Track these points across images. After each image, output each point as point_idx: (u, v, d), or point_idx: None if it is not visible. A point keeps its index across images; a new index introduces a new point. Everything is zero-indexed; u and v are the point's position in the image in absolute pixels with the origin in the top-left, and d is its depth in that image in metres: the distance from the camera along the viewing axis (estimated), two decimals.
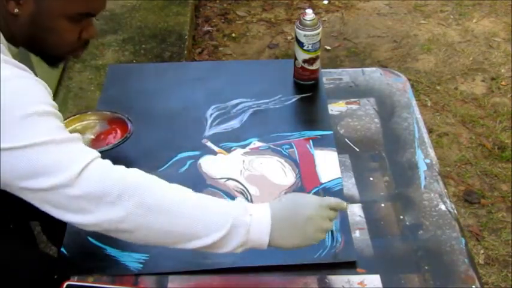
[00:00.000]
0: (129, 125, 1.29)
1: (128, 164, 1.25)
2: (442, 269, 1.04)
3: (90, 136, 1.30)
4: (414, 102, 1.43)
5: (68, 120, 1.30)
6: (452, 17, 3.27)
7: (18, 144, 0.82)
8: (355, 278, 1.03)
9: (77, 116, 1.34)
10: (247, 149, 1.29)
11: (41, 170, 0.82)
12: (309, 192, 1.18)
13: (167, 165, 1.26)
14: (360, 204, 1.17)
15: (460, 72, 2.85)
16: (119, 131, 1.29)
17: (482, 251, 2.01)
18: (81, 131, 1.29)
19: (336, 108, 1.41)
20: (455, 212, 1.16)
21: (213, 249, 0.91)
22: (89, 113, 1.36)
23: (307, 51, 1.39)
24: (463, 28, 3.16)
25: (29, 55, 1.17)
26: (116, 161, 1.25)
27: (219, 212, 0.90)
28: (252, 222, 0.90)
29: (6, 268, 1.10)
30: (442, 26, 3.19)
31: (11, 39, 0.99)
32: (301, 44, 1.38)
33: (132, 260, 1.07)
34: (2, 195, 0.89)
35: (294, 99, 1.43)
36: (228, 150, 1.29)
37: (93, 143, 1.26)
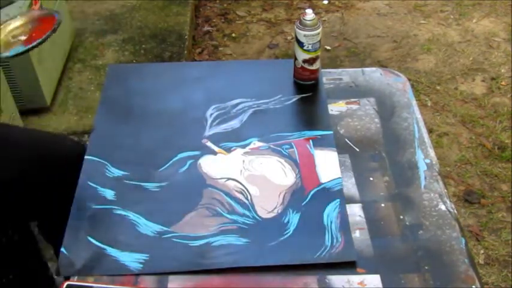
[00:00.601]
0: (56, 16, 1.33)
1: (128, 164, 1.26)
2: (442, 269, 1.04)
3: (23, 37, 1.31)
4: (414, 102, 1.43)
5: (4, 24, 1.34)
6: (452, 17, 3.27)
7: None
8: (355, 278, 1.03)
9: (6, 21, 1.36)
10: (247, 149, 1.29)
11: None
12: (309, 193, 1.19)
13: (167, 165, 1.26)
14: (360, 204, 1.17)
15: (460, 72, 2.85)
16: (47, 25, 1.31)
17: (482, 251, 2.01)
18: (15, 35, 1.31)
19: (336, 108, 1.41)
20: (455, 212, 1.16)
21: None
22: (18, 16, 1.38)
23: (307, 51, 1.39)
24: (463, 28, 3.16)
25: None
26: (116, 161, 1.25)
27: None
28: None
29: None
30: (442, 26, 3.20)
31: None
32: (301, 44, 1.38)
33: (132, 260, 1.07)
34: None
35: (294, 99, 1.43)
36: (228, 150, 1.29)
37: (25, 42, 1.28)
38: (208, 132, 1.34)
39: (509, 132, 2.48)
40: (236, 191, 1.19)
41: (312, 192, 1.18)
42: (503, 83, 2.77)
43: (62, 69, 2.67)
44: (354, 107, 1.41)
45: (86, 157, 1.28)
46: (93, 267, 1.06)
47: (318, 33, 1.37)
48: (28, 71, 2.27)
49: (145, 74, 1.55)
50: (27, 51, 1.28)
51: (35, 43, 1.25)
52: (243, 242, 1.09)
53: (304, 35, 1.37)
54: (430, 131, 2.45)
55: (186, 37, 2.98)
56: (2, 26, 1.32)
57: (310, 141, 1.31)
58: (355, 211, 1.15)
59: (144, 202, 1.18)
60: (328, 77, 1.50)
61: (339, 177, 1.21)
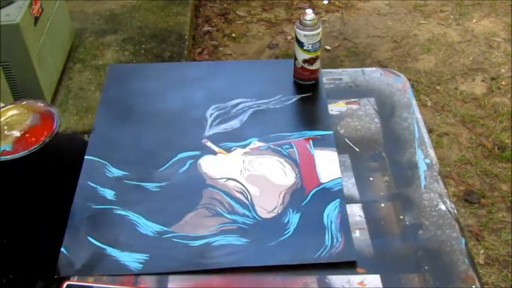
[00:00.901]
0: (55, 119, 1.31)
1: (128, 164, 1.26)
2: (442, 269, 1.04)
3: (16, 134, 1.29)
4: (414, 102, 1.43)
5: (4, 108, 1.33)
6: (452, 17, 3.27)
7: None
8: (355, 278, 1.03)
9: (13, 105, 1.36)
10: (247, 149, 1.29)
11: None
12: (309, 193, 1.19)
13: (167, 165, 1.26)
14: (360, 204, 1.17)
15: (460, 72, 2.85)
16: (45, 131, 1.29)
17: (482, 251, 2.01)
18: (13, 125, 1.30)
19: (336, 108, 1.41)
20: (455, 212, 1.16)
21: None
22: (24, 103, 1.37)
23: (307, 51, 1.39)
24: (463, 28, 3.16)
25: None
26: (116, 161, 1.25)
27: None
28: None
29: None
30: (442, 26, 3.20)
31: None
32: (301, 44, 1.38)
33: (132, 260, 1.07)
34: None
35: (294, 99, 1.43)
36: (228, 150, 1.29)
37: (16, 143, 1.27)
38: (208, 132, 1.34)
39: (509, 132, 2.48)
40: (236, 191, 1.19)
41: (312, 192, 1.19)
42: (503, 83, 2.77)
43: (62, 69, 2.67)
44: (354, 107, 1.41)
45: (86, 157, 1.28)
46: (93, 267, 1.06)
47: (318, 33, 1.37)
48: (28, 71, 2.27)
49: (146, 74, 1.55)
50: (11, 160, 1.23)
51: (22, 153, 1.23)
52: (243, 242, 1.09)
53: (304, 35, 1.37)
54: (430, 131, 2.45)
55: (186, 37, 2.98)
56: (10, 106, 1.33)
57: (310, 141, 1.31)
58: (355, 211, 1.15)
59: (144, 202, 1.18)
60: (328, 77, 1.50)
61: (339, 177, 1.21)
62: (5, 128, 1.30)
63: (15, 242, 1.25)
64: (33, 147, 1.25)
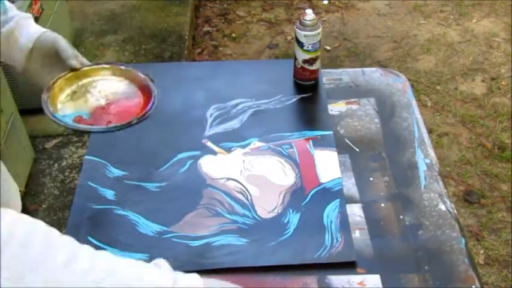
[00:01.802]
0: (148, 106, 1.07)
1: (128, 164, 1.26)
2: (442, 269, 1.04)
3: (101, 101, 1.06)
4: (414, 102, 1.43)
5: (97, 67, 1.12)
6: (452, 17, 3.27)
7: None
8: (355, 278, 1.03)
9: (108, 66, 1.11)
10: (247, 149, 1.29)
11: None
12: (308, 193, 1.19)
13: (167, 165, 1.26)
14: (359, 204, 1.17)
15: (460, 72, 2.85)
16: (137, 107, 1.05)
17: (482, 251, 2.01)
18: (102, 90, 1.07)
19: (336, 108, 1.41)
20: (455, 212, 1.16)
21: None
22: (123, 68, 1.12)
23: (307, 51, 1.39)
24: (463, 28, 3.17)
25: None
26: (116, 161, 1.25)
27: None
28: None
29: None
30: (442, 26, 3.20)
31: None
32: (301, 44, 1.38)
33: None
34: None
35: (294, 100, 1.43)
36: (228, 150, 1.29)
37: (95, 112, 1.05)
38: (208, 132, 1.34)
39: (509, 132, 2.48)
40: (236, 191, 1.19)
41: (312, 192, 1.18)
42: (503, 83, 2.77)
43: None
44: (354, 107, 1.41)
45: (86, 157, 1.28)
46: None
47: (318, 34, 1.38)
48: None
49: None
50: (85, 131, 1.02)
51: (97, 127, 1.01)
52: (243, 242, 1.09)
53: (304, 35, 1.37)
54: (430, 131, 2.45)
55: (186, 37, 2.98)
56: (86, 69, 1.10)
57: (310, 141, 1.31)
58: (355, 211, 1.15)
59: (144, 202, 1.18)
60: (328, 77, 1.50)
61: (339, 177, 1.21)
62: (93, 89, 1.07)
63: None
64: (113, 125, 1.03)
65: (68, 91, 1.09)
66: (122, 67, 1.14)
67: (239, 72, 1.53)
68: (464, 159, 2.36)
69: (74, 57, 1.12)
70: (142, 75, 1.13)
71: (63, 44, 1.12)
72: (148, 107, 1.07)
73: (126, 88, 1.11)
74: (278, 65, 1.62)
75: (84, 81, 1.10)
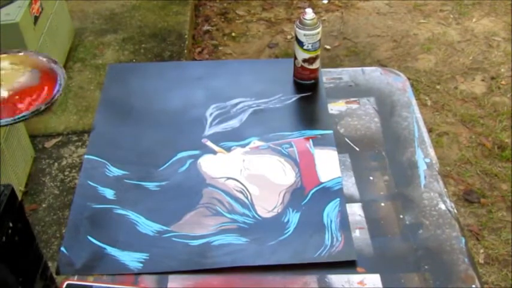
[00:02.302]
0: (56, 88, 1.02)
1: (128, 163, 1.26)
2: (441, 269, 1.04)
3: (3, 93, 1.00)
4: (414, 102, 1.43)
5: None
6: (452, 16, 3.27)
7: None
8: (355, 278, 1.03)
9: (5, 55, 1.07)
10: (247, 148, 1.29)
11: None
12: (308, 192, 1.19)
13: (167, 164, 1.26)
14: (359, 204, 1.17)
15: (460, 71, 2.85)
16: (43, 93, 1.02)
17: (482, 251, 2.01)
18: (2, 82, 1.02)
19: (335, 107, 1.41)
20: (455, 211, 1.16)
21: None
22: (22, 54, 1.08)
23: (307, 50, 1.39)
24: (462, 27, 3.16)
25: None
26: (116, 161, 1.25)
27: None
28: None
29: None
30: (442, 25, 3.19)
31: None
32: (301, 44, 1.38)
33: (132, 260, 1.07)
34: None
35: (294, 99, 1.42)
36: (228, 149, 1.29)
37: (1, 106, 0.99)
38: (208, 131, 1.34)
39: (509, 131, 2.48)
40: (236, 190, 1.19)
41: (311, 192, 1.18)
42: (503, 82, 2.77)
43: None
44: (354, 106, 1.41)
45: (85, 156, 1.28)
46: (93, 267, 1.06)
47: (318, 33, 1.37)
48: None
49: (145, 73, 1.55)
50: None
51: (4, 120, 0.94)
52: (243, 242, 1.09)
53: (304, 35, 1.37)
54: (430, 131, 2.45)
55: (186, 36, 2.97)
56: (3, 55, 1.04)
57: (310, 140, 1.31)
58: (355, 210, 1.15)
59: (144, 201, 1.18)
60: (328, 77, 1.50)
61: (339, 177, 1.21)
62: None
63: (15, 241, 1.25)
64: (21, 115, 0.96)
65: None
66: (21, 54, 1.08)
67: (239, 72, 1.53)
68: (464, 158, 2.36)
69: None
70: (44, 59, 1.07)
71: None
72: (55, 90, 1.02)
73: (29, 75, 1.05)
74: (278, 64, 1.61)
75: None
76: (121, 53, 2.87)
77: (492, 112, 2.59)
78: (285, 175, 1.23)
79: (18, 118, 0.96)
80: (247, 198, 1.18)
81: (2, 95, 1.00)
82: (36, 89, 1.01)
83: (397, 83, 1.48)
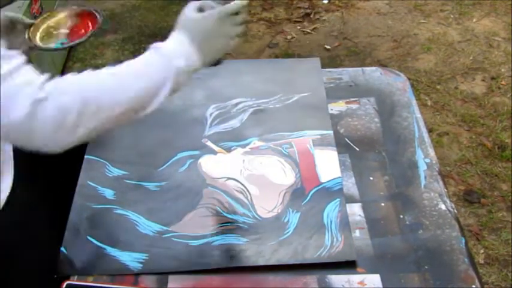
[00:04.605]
0: (98, 16, 1.31)
1: (128, 163, 1.26)
2: (442, 269, 1.04)
3: (65, 31, 1.30)
4: (414, 102, 1.43)
5: (40, 18, 1.32)
6: (452, 16, 3.26)
7: None
8: (355, 278, 1.03)
9: (48, 13, 1.34)
10: (247, 149, 1.29)
11: None
12: (308, 192, 1.18)
13: (167, 164, 1.26)
14: (360, 204, 1.17)
15: (460, 71, 2.85)
16: (90, 24, 1.30)
17: (482, 251, 2.01)
18: (55, 27, 1.31)
19: (336, 107, 1.41)
20: (455, 211, 1.16)
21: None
22: (58, 9, 1.36)
23: None
24: (463, 27, 3.16)
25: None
26: (116, 161, 1.24)
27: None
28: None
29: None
30: (442, 25, 3.19)
31: None
32: None
33: (132, 260, 1.07)
34: None
35: (294, 99, 1.42)
36: (228, 149, 1.29)
37: (69, 36, 1.28)
38: (208, 131, 1.34)
39: (509, 131, 2.48)
40: (236, 190, 1.19)
41: (312, 192, 1.18)
42: (503, 82, 2.77)
43: (61, 69, 2.67)
44: (354, 106, 1.41)
45: (85, 156, 1.28)
46: (93, 267, 1.06)
47: None
48: None
49: None
50: (71, 46, 1.28)
51: (77, 41, 1.25)
52: (243, 242, 1.09)
53: None
54: (430, 131, 2.44)
55: None
56: (40, 19, 1.31)
57: (310, 140, 1.30)
58: (355, 210, 1.15)
59: (144, 202, 1.18)
60: (328, 77, 1.50)
61: (339, 177, 1.21)
62: (51, 29, 1.29)
63: (16, 240, 1.25)
64: (89, 32, 1.27)
65: (38, 36, 1.28)
66: (74, 7, 1.35)
67: (239, 72, 1.53)
68: (465, 158, 2.36)
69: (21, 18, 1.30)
70: (78, 8, 1.34)
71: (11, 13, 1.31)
72: (99, 20, 1.29)
73: (71, 20, 1.33)
74: (278, 64, 1.61)
75: (44, 26, 1.31)
76: (121, 53, 2.87)
77: (492, 112, 2.59)
78: (285, 175, 1.23)
79: (88, 36, 1.26)
80: (247, 198, 1.18)
81: (65, 31, 1.29)
82: (83, 22, 1.30)
83: (397, 83, 1.48)
